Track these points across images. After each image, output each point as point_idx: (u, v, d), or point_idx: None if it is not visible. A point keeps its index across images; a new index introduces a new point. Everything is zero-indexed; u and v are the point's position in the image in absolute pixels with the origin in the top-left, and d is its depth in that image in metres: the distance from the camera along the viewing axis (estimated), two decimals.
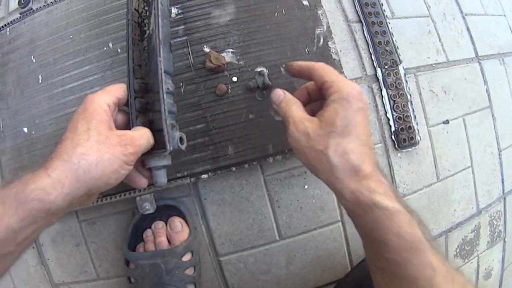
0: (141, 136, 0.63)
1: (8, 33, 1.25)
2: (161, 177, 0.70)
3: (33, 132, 1.03)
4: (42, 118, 1.03)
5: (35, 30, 1.20)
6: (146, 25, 0.85)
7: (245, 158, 0.93)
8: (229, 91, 0.94)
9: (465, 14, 1.40)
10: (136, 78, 0.73)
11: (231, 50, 0.96)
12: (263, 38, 0.99)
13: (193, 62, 0.96)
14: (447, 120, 1.23)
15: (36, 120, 1.03)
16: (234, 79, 0.95)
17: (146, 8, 0.87)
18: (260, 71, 1.00)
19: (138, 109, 0.71)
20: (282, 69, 0.95)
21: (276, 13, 1.07)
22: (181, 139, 0.71)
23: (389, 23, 1.21)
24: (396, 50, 1.17)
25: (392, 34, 1.19)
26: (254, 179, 0.98)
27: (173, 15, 1.05)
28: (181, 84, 0.95)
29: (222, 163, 0.93)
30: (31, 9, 1.26)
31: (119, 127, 0.67)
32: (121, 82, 0.90)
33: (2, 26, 1.27)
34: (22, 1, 1.27)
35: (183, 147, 0.72)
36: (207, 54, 1.01)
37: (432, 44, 1.27)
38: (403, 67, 1.16)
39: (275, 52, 0.98)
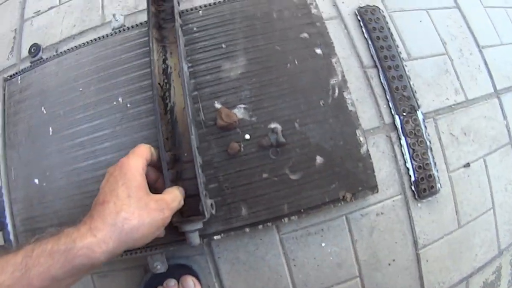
0: (174, 199, 0.72)
1: (19, 82, 1.22)
2: (195, 239, 0.79)
3: (44, 184, 1.00)
4: (53, 171, 1.01)
5: (46, 80, 1.16)
6: (168, 98, 0.88)
7: (259, 219, 0.88)
8: (242, 149, 0.89)
9: (482, 47, 1.33)
10: (167, 152, 0.79)
11: (243, 105, 0.92)
12: (276, 91, 0.95)
13: (204, 118, 0.93)
14: (468, 163, 1.17)
15: (47, 172, 1.00)
16: (247, 136, 0.91)
17: (166, 80, 0.89)
18: (274, 128, 0.95)
19: (171, 180, 0.77)
20: (296, 125, 0.90)
21: (289, 64, 1.02)
22: (212, 205, 0.82)
23: (406, 66, 1.15)
24: (414, 95, 1.10)
25: (409, 78, 1.13)
26: (269, 238, 0.93)
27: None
28: None
29: (235, 224, 0.88)
30: (41, 58, 1.23)
31: (150, 183, 0.74)
32: (132, 138, 0.87)
33: (14, 74, 1.25)
34: (32, 50, 1.24)
35: (213, 212, 0.82)
36: (218, 111, 0.96)
37: (450, 83, 1.20)
38: (421, 112, 1.10)
39: (288, 106, 0.94)
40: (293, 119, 0.92)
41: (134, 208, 0.62)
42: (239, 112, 0.90)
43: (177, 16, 0.89)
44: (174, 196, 0.72)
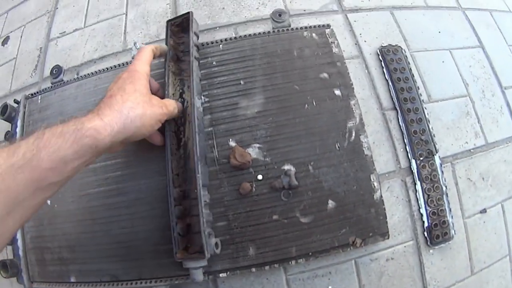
0: (172, 105, 0.81)
1: (39, 101, 1.22)
2: (198, 275, 0.79)
3: (56, 206, 1.00)
4: (64, 194, 0.99)
5: (65, 103, 1.16)
6: (182, 132, 0.88)
7: (266, 260, 0.86)
8: (253, 189, 0.88)
9: (505, 88, 1.30)
10: (175, 188, 0.81)
11: (258, 145, 0.90)
12: (292, 132, 0.93)
13: (217, 156, 0.91)
14: (484, 209, 1.13)
15: (59, 195, 0.98)
16: (259, 177, 0.89)
17: (181, 115, 0.88)
18: (287, 170, 0.93)
19: (177, 215, 0.79)
20: (310, 167, 0.88)
21: (306, 105, 0.99)
22: (216, 244, 0.80)
23: (426, 108, 1.12)
24: (432, 139, 1.07)
25: (429, 121, 1.10)
26: (275, 278, 0.91)
27: (198, 104, 0.99)
28: None
29: (242, 263, 0.85)
30: (62, 80, 1.23)
31: (152, 92, 0.83)
32: (145, 168, 0.88)
33: (35, 93, 1.25)
34: (54, 71, 1.24)
35: (218, 251, 0.80)
36: (232, 150, 0.94)
37: (470, 126, 1.16)
38: (439, 157, 1.07)
39: (303, 148, 0.92)
40: (307, 162, 0.89)
41: (139, 100, 0.69)
42: (253, 151, 0.88)
43: (192, 50, 0.88)
44: (172, 103, 0.82)
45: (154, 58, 0.84)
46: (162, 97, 0.83)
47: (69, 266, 0.93)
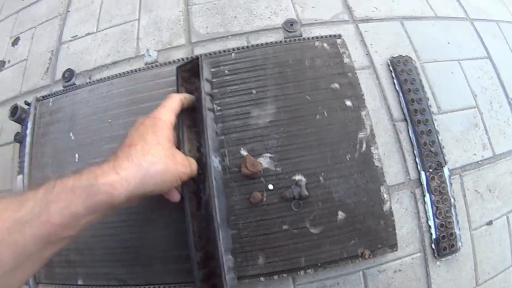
0: (195, 164, 0.77)
1: (50, 104, 1.22)
2: None
3: None
4: None
5: (76, 107, 1.16)
6: (202, 190, 0.84)
7: (275, 269, 0.85)
8: (264, 199, 0.88)
9: (511, 99, 1.29)
10: (197, 251, 0.77)
11: (269, 155, 0.90)
12: (303, 142, 0.93)
13: (229, 164, 0.91)
14: (491, 221, 1.13)
15: None
16: (270, 186, 0.89)
17: (201, 171, 0.83)
18: (298, 181, 0.93)
19: (201, 278, 0.75)
20: (321, 178, 0.88)
21: (318, 115, 0.99)
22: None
23: (435, 120, 1.11)
24: (441, 151, 1.07)
25: (438, 132, 1.10)
26: None
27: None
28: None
29: (250, 272, 0.85)
30: (74, 84, 1.23)
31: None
32: None
33: (46, 96, 1.25)
34: (66, 75, 1.25)
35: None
36: (243, 159, 0.94)
37: (478, 138, 1.17)
38: (448, 169, 1.07)
39: (314, 159, 0.91)
40: (318, 172, 0.89)
41: (161, 155, 0.64)
42: (265, 161, 0.88)
43: (205, 101, 0.84)
44: (194, 163, 0.77)
45: (182, 108, 0.80)
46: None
47: (76, 268, 0.93)
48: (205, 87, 0.86)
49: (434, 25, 1.35)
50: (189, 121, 0.92)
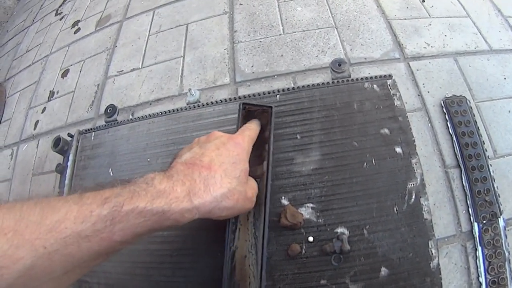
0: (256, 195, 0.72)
1: (92, 138, 1.21)
2: None
3: None
4: None
5: (117, 143, 1.14)
6: (232, 241, 0.80)
7: None
8: (303, 251, 0.81)
9: None
10: None
11: (311, 205, 0.84)
12: (348, 193, 0.86)
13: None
14: None
15: None
16: (310, 239, 0.83)
17: (233, 220, 0.80)
18: (339, 234, 0.86)
19: None
20: (365, 231, 0.84)
21: (365, 163, 0.93)
22: None
23: (491, 165, 1.04)
24: (497, 200, 0.99)
25: (494, 179, 1.02)
26: None
27: None
28: None
29: None
30: (116, 120, 1.22)
31: None
32: None
33: (89, 130, 1.24)
34: (108, 111, 1.24)
35: None
36: (284, 208, 0.89)
37: None
38: (503, 219, 0.99)
39: (359, 210, 0.84)
40: (362, 225, 0.82)
41: (235, 190, 0.62)
42: (306, 211, 0.83)
43: (271, 156, 0.84)
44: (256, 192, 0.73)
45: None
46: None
47: None
48: (272, 138, 0.84)
49: (489, 59, 1.28)
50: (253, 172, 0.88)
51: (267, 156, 0.80)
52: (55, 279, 0.47)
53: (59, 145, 1.21)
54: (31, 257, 0.43)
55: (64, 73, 1.64)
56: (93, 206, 0.50)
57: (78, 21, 2.02)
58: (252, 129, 0.77)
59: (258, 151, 0.81)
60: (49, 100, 1.64)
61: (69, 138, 1.24)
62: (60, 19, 2.17)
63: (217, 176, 0.60)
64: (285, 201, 0.91)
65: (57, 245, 0.45)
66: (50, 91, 1.66)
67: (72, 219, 0.47)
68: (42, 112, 1.65)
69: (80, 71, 1.56)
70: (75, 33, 1.93)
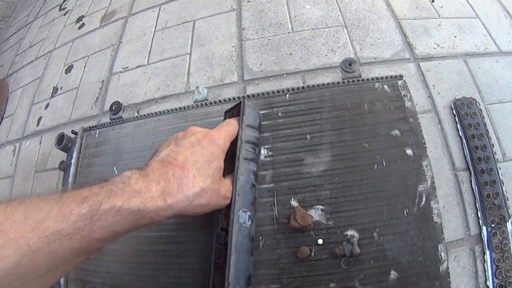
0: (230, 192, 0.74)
1: (97, 135, 1.20)
2: None
3: None
4: None
5: (122, 141, 1.13)
6: None
7: None
8: (312, 254, 0.80)
9: None
10: None
11: (321, 207, 0.83)
12: (358, 195, 0.84)
13: (277, 215, 0.85)
14: None
15: None
16: (320, 241, 0.81)
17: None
18: (350, 237, 0.85)
19: None
20: (375, 234, 0.81)
21: (376, 165, 0.92)
22: None
23: (500, 169, 1.03)
24: (505, 203, 0.98)
25: (503, 183, 1.01)
26: None
27: (262, 157, 0.93)
28: (260, 237, 0.83)
29: None
30: (121, 117, 1.20)
31: None
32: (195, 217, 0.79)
33: (93, 127, 1.22)
34: (113, 108, 1.22)
35: None
36: (293, 210, 0.87)
37: None
38: (511, 223, 0.97)
39: (369, 213, 0.83)
40: (372, 228, 0.81)
41: (208, 189, 0.64)
42: (316, 213, 0.81)
43: (240, 151, 0.82)
44: (231, 190, 0.74)
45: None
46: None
47: None
48: (244, 134, 0.82)
49: (499, 61, 1.26)
50: (231, 169, 0.87)
51: (237, 152, 0.79)
52: (40, 277, 0.48)
53: (63, 142, 1.20)
54: (17, 255, 0.44)
55: (68, 69, 1.62)
56: (73, 205, 0.51)
57: (83, 16, 2.01)
58: (231, 124, 0.77)
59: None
60: (52, 96, 1.63)
61: (73, 135, 1.23)
62: (64, 14, 2.16)
63: (190, 176, 0.63)
64: (294, 203, 0.89)
65: (40, 243, 0.47)
66: (54, 87, 1.64)
67: (54, 218, 0.49)
68: (45, 108, 1.64)
69: (85, 67, 1.54)
70: (79, 28, 1.92)
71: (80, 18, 2.00)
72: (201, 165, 0.65)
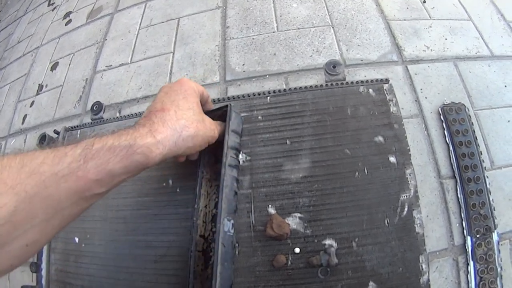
0: (218, 129, 0.79)
1: (78, 136, 1.19)
2: None
3: (83, 245, 0.98)
4: (93, 236, 0.99)
5: None
6: (212, 250, 0.80)
7: None
8: (289, 263, 0.80)
9: None
10: None
11: (299, 214, 0.83)
12: (338, 203, 0.84)
13: (253, 222, 0.84)
14: None
15: (87, 235, 0.99)
16: (297, 250, 0.81)
17: (214, 229, 0.80)
18: (327, 247, 0.83)
19: None
20: (354, 244, 0.79)
21: (357, 173, 0.89)
22: None
23: (487, 177, 1.00)
24: (491, 213, 0.96)
25: (490, 192, 0.99)
26: None
27: (240, 162, 0.92)
28: (237, 244, 0.82)
29: None
30: (102, 118, 1.19)
31: None
32: (175, 225, 0.89)
33: (75, 127, 1.21)
34: (94, 108, 1.21)
35: None
36: (270, 218, 0.86)
37: None
38: (497, 233, 0.96)
39: (349, 222, 0.82)
40: (351, 238, 0.80)
41: (193, 119, 0.68)
42: (293, 221, 0.81)
43: (227, 158, 0.83)
44: (218, 128, 0.79)
45: (201, 98, 0.79)
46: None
47: None
48: (230, 140, 0.82)
49: (491, 65, 1.24)
50: (211, 173, 0.86)
51: (223, 159, 0.81)
52: (37, 226, 0.49)
53: (45, 142, 1.19)
54: (14, 202, 0.46)
55: (54, 66, 1.60)
56: (67, 149, 0.53)
57: (70, 12, 1.98)
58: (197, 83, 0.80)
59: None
60: (37, 93, 1.61)
61: (55, 135, 1.21)
62: (53, 10, 2.13)
63: (171, 113, 0.66)
64: (271, 210, 0.87)
65: (37, 188, 0.48)
66: (39, 84, 1.62)
67: (50, 162, 0.50)
68: (31, 106, 1.62)
69: (69, 65, 1.52)
70: (66, 24, 1.89)
71: (67, 14, 1.97)
72: (179, 102, 0.68)
